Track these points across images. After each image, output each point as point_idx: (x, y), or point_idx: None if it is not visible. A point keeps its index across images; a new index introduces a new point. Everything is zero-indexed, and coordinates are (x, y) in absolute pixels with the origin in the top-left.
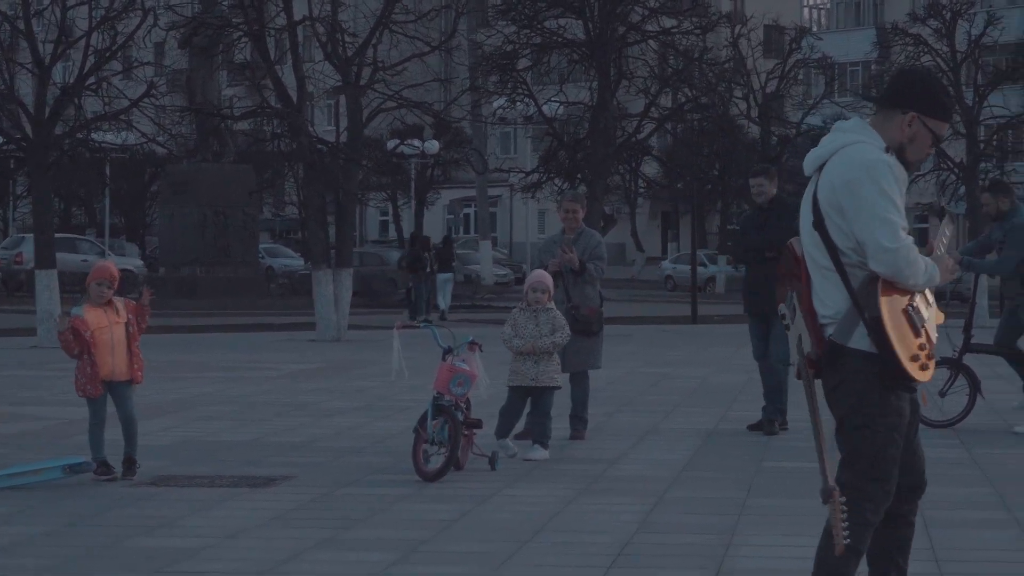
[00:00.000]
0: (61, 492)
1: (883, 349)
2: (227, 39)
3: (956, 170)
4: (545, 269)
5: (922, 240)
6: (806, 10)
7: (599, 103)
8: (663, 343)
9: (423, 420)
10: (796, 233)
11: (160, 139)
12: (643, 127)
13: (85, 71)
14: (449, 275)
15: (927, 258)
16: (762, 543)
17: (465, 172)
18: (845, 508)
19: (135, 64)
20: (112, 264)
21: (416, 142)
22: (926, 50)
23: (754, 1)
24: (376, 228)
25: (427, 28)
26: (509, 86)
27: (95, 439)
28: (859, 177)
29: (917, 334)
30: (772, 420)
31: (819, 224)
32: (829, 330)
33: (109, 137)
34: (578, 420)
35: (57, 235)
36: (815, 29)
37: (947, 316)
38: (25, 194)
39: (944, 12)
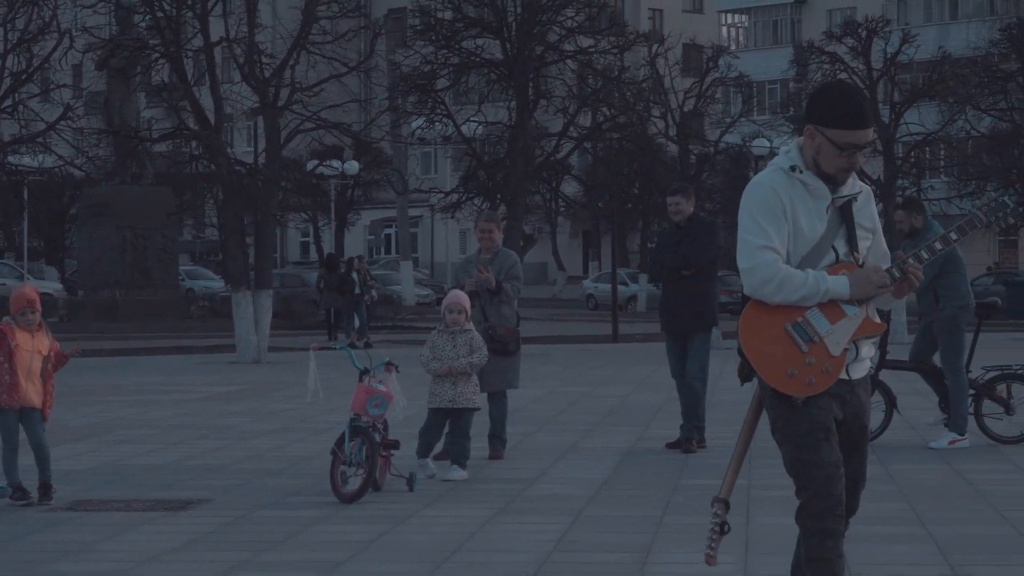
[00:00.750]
0: None
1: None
2: (144, 61)
3: (873, 187)
4: (462, 289)
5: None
6: (724, 29)
7: (517, 123)
8: (584, 362)
9: (340, 441)
10: (712, 251)
11: (77, 162)
12: (562, 146)
13: (0, 94)
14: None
15: (818, 272)
16: (677, 560)
17: (386, 192)
18: (716, 523)
19: (52, 87)
20: (29, 287)
21: (336, 163)
22: (842, 68)
23: (672, 20)
24: (297, 249)
25: (344, 49)
26: (428, 106)
27: (8, 464)
28: (741, 201)
29: (802, 349)
30: (690, 439)
31: None
32: None
33: (26, 160)
34: (497, 440)
35: None
36: (733, 48)
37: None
38: None
39: (860, 30)
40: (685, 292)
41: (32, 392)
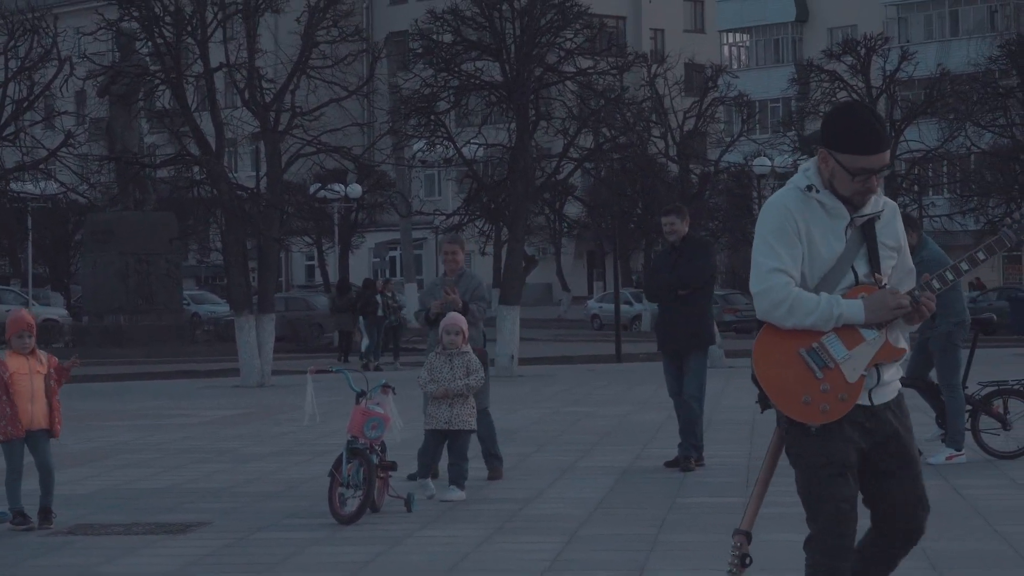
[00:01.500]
0: None
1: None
2: (146, 87)
3: None
4: (427, 312)
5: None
6: (726, 48)
7: (518, 144)
8: (587, 382)
9: (338, 463)
10: (708, 271)
11: (80, 189)
12: (562, 167)
13: (2, 121)
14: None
15: (832, 296)
16: None
17: (389, 215)
18: (736, 555)
19: (55, 113)
20: (25, 312)
21: (339, 186)
22: (842, 86)
23: (674, 40)
24: (303, 273)
25: (344, 73)
26: (429, 129)
27: (12, 490)
28: (757, 222)
29: (817, 375)
30: (688, 457)
31: None
32: None
33: (29, 187)
34: (493, 458)
35: None
36: (735, 67)
37: None
38: None
39: (859, 48)
40: (681, 312)
41: (39, 413)
